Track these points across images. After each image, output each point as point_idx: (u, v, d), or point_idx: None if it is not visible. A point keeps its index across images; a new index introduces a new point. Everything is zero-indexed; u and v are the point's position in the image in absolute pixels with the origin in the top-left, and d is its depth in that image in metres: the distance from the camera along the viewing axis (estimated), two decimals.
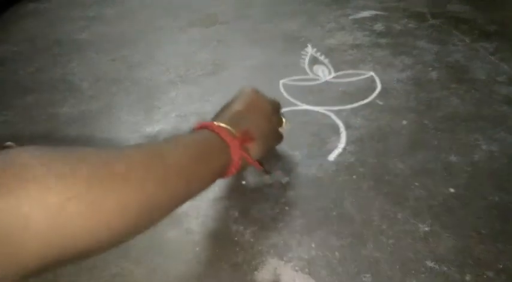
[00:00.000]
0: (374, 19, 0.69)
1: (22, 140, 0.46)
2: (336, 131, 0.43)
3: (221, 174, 0.27)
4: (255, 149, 0.29)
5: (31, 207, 0.14)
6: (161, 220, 0.22)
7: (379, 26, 0.66)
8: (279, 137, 0.36)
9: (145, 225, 0.20)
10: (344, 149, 0.40)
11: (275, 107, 0.33)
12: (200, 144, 0.25)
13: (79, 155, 0.17)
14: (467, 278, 0.28)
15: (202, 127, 0.27)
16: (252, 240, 0.32)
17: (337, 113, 0.46)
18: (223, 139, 0.26)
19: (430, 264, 0.29)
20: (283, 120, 0.36)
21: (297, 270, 0.29)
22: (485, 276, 0.28)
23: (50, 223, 0.14)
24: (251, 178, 0.38)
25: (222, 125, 0.27)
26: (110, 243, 0.18)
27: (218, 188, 0.37)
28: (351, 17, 0.70)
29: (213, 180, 0.27)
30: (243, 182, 0.37)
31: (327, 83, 0.52)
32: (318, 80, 0.53)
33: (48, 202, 0.14)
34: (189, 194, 0.24)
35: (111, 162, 0.18)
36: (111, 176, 0.17)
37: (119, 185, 0.17)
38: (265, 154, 0.32)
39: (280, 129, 0.36)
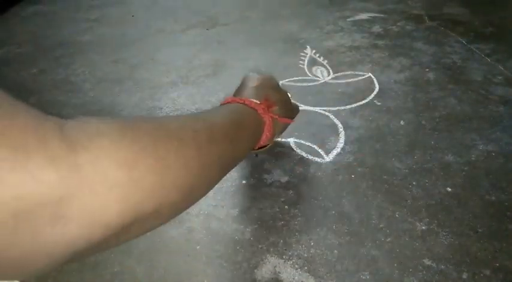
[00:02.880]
0: (372, 21, 0.70)
1: None
2: (334, 131, 0.43)
3: (258, 139, 0.30)
4: (279, 112, 0.32)
5: (107, 161, 0.14)
6: (217, 182, 0.23)
7: (377, 28, 0.67)
8: (295, 107, 0.39)
9: (205, 185, 0.21)
10: (343, 148, 0.41)
11: (277, 82, 0.37)
12: (233, 112, 0.27)
13: (135, 117, 0.18)
14: (464, 276, 0.28)
15: (227, 102, 0.30)
16: (251, 238, 0.32)
17: (336, 113, 0.46)
18: (250, 106, 0.29)
19: (427, 262, 0.29)
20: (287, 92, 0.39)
21: (296, 269, 0.29)
22: (482, 275, 0.28)
23: (126, 176, 0.14)
24: (251, 177, 0.38)
25: (246, 99, 0.30)
26: (178, 203, 0.18)
27: (218, 187, 0.37)
28: (349, 19, 0.71)
29: (252, 145, 0.29)
30: (244, 182, 0.38)
31: (325, 83, 0.53)
32: (317, 81, 0.53)
33: (121, 156, 0.14)
34: (235, 157, 0.25)
35: (165, 123, 0.19)
36: (169, 133, 0.18)
37: (177, 142, 0.18)
38: (289, 119, 0.35)
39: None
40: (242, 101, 0.29)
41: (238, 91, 0.33)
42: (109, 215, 0.14)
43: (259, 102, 0.30)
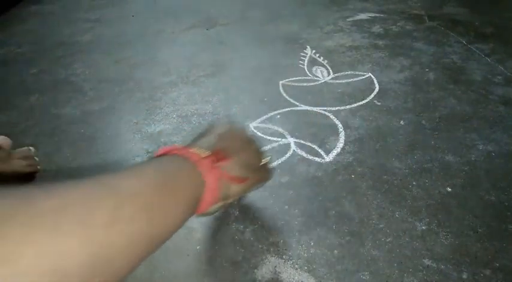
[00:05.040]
0: (372, 21, 0.70)
1: (26, 140, 0.47)
2: (334, 131, 0.43)
3: (196, 204, 0.22)
4: (234, 169, 0.24)
5: None
6: (128, 272, 0.16)
7: (377, 28, 0.67)
8: (266, 171, 0.29)
9: (107, 279, 0.14)
10: (343, 148, 0.41)
11: (252, 137, 0.28)
12: (162, 170, 0.20)
13: (5, 190, 0.12)
14: (464, 276, 0.28)
15: (163, 153, 0.22)
16: (252, 238, 0.32)
17: (336, 113, 0.46)
18: (189, 160, 0.21)
19: (427, 262, 0.29)
20: (269, 155, 0.31)
21: (296, 268, 0.29)
22: (482, 275, 0.28)
23: None
24: None
25: (190, 149, 0.22)
26: None
27: None
28: (349, 19, 0.71)
29: (186, 214, 0.21)
30: None
31: (325, 83, 0.53)
32: (317, 80, 0.53)
33: None
34: (155, 233, 0.18)
35: (34, 200, 0.12)
36: (39, 218, 0.12)
37: (51, 230, 0.12)
38: (240, 179, 0.25)
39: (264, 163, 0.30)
40: (180, 152, 0.21)
41: (196, 138, 0.25)
42: None
43: (205, 155, 0.22)
